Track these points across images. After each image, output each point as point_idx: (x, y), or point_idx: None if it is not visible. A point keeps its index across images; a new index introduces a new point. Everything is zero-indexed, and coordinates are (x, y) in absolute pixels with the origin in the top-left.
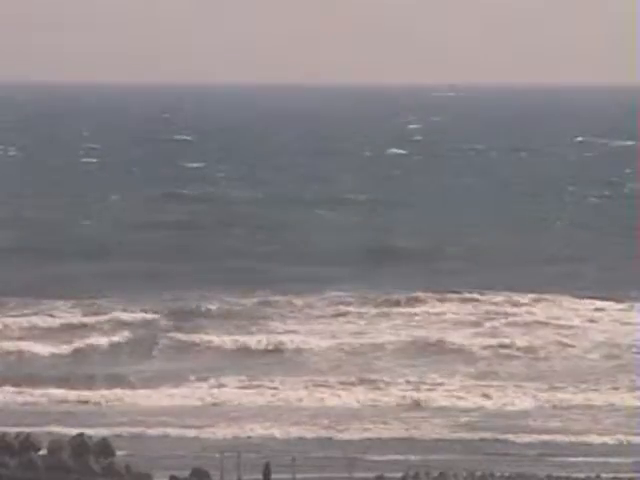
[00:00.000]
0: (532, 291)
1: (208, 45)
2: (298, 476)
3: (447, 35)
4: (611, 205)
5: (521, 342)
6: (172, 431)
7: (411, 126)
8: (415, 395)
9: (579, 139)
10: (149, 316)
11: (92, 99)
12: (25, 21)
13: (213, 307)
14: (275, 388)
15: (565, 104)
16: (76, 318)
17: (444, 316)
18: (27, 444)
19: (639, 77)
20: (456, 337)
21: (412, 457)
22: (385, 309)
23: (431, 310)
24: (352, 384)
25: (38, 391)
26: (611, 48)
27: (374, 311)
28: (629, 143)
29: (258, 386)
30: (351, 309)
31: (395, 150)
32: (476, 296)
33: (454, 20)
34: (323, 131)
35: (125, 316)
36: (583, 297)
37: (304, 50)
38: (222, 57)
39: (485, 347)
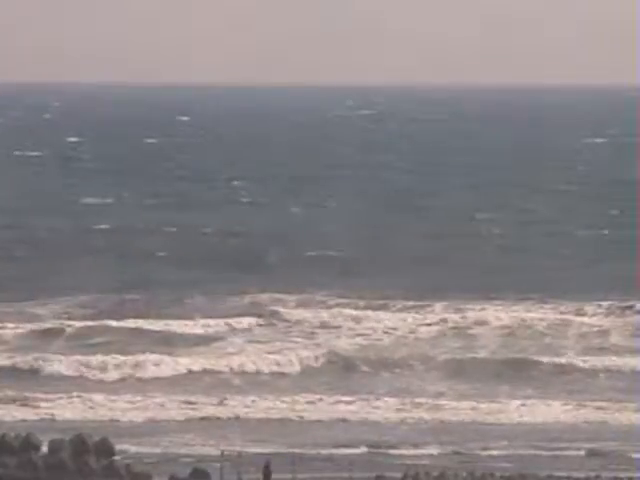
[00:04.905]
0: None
1: (207, 45)
2: (298, 476)
3: (447, 35)
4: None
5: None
6: None
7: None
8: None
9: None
10: None
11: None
12: None
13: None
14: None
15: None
16: None
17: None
18: (27, 444)
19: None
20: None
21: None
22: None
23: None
24: None
25: None
26: (612, 48)
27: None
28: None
29: None
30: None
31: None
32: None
33: (454, 20)
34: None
35: None
36: None
37: (304, 50)
38: (221, 57)
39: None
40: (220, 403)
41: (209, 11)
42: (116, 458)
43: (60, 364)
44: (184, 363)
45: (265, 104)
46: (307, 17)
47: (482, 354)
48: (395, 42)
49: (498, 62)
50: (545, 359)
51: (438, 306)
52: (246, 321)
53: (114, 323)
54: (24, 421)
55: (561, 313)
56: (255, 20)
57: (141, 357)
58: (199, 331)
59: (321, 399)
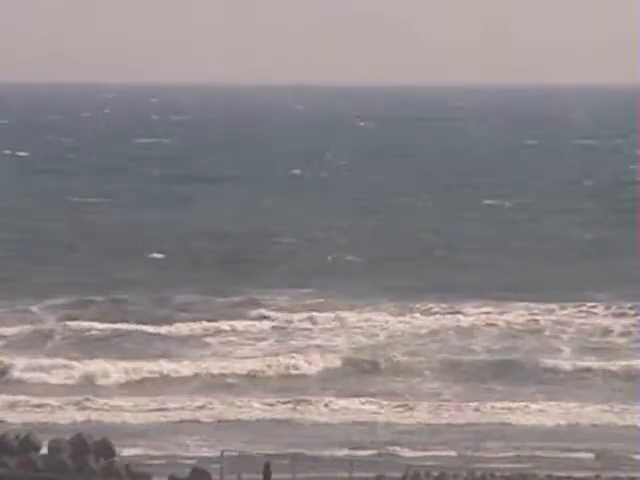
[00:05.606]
0: None
1: (207, 45)
2: (298, 476)
3: (447, 35)
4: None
5: None
6: None
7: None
8: None
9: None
10: None
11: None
12: None
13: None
14: None
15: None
16: None
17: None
18: (27, 444)
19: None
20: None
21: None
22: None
23: None
24: None
25: None
26: (610, 48)
27: None
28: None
29: None
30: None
31: None
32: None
33: (454, 20)
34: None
35: None
36: None
37: (304, 50)
38: (221, 57)
39: None
40: (221, 403)
41: (209, 10)
42: (116, 459)
43: (55, 365)
44: (181, 364)
45: (264, 104)
46: (307, 17)
47: (482, 354)
48: (395, 42)
49: (498, 62)
50: (545, 359)
51: (437, 306)
52: (244, 321)
53: (110, 324)
54: (23, 422)
55: (561, 312)
56: (255, 20)
57: (138, 358)
58: (196, 332)
59: (320, 399)
